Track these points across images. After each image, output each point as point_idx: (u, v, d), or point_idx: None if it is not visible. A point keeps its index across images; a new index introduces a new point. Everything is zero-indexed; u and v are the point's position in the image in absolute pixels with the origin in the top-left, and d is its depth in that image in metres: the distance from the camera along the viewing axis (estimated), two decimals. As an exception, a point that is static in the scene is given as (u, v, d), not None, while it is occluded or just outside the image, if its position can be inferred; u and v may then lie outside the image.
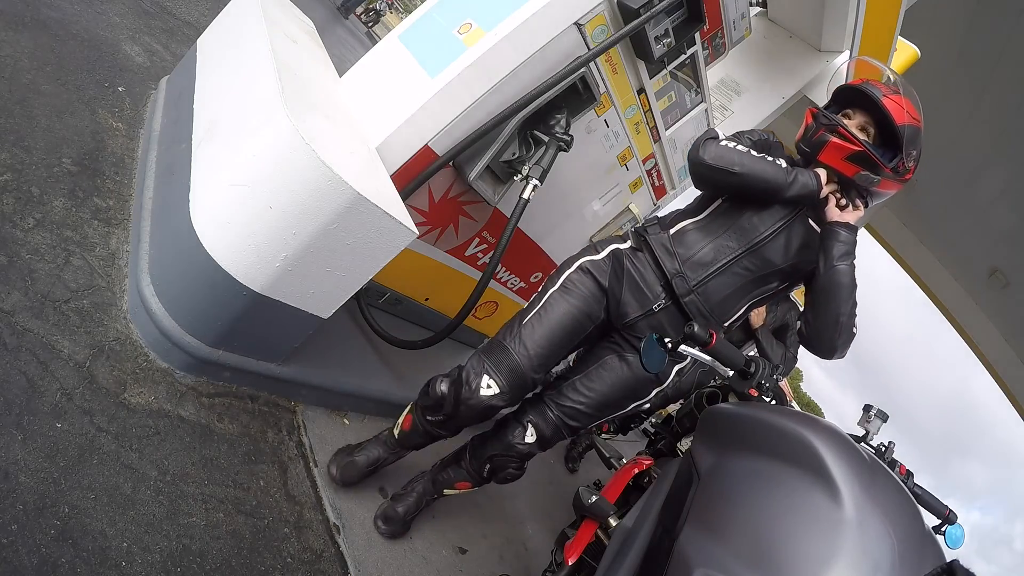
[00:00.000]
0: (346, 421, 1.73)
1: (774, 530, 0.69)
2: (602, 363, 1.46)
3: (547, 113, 1.67)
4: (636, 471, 1.57)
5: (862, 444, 1.53)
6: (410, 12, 2.12)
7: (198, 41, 1.93)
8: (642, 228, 1.50)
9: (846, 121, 1.38)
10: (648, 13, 1.57)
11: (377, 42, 2.09)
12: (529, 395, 1.50)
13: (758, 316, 2.76)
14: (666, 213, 1.57)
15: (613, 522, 1.25)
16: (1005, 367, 4.05)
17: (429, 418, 1.44)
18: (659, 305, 1.41)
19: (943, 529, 1.41)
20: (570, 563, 1.28)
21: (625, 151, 2.14)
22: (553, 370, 1.53)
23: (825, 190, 1.36)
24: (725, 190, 1.44)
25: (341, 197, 1.20)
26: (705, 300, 1.39)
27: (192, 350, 1.33)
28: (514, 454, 1.47)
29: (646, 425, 3.11)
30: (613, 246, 1.50)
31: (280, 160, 1.20)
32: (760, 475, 0.79)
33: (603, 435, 3.04)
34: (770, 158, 1.36)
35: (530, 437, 1.46)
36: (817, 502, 0.69)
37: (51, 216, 1.36)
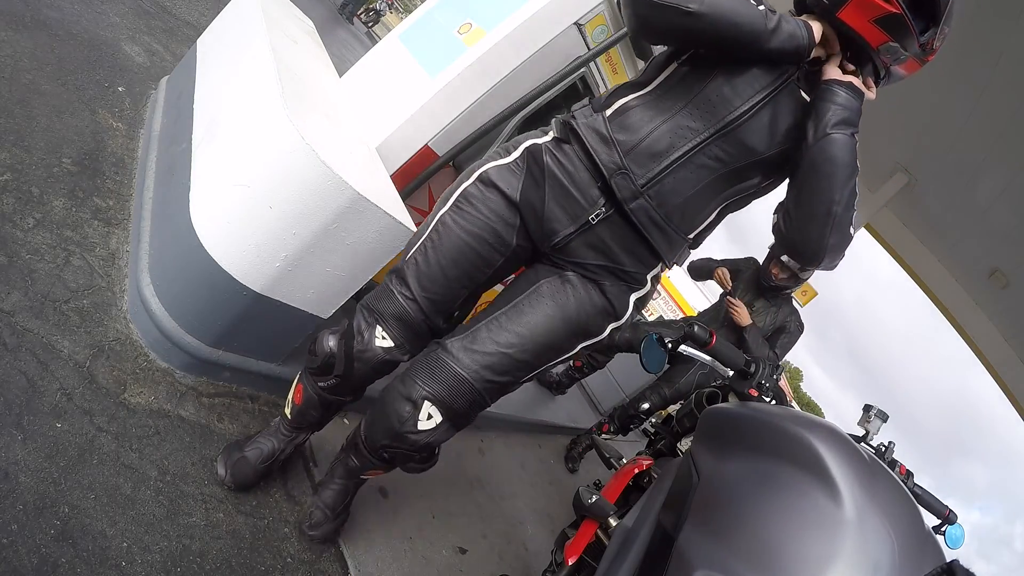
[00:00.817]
0: (346, 421, 1.73)
1: (774, 530, 0.69)
2: (537, 290, 1.09)
3: (547, 113, 1.67)
4: (636, 471, 1.57)
5: (862, 444, 1.53)
6: (410, 12, 2.12)
7: (198, 41, 1.93)
8: (568, 115, 1.11)
9: None
10: (648, 13, 1.57)
11: (377, 42, 2.09)
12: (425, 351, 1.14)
13: (744, 315, 2.73)
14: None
15: (613, 522, 1.25)
16: (1005, 367, 4.05)
17: (322, 384, 1.17)
18: (597, 215, 1.05)
19: (943, 529, 1.41)
20: (570, 563, 1.28)
21: (625, 151, 2.14)
22: None
23: (817, 51, 1.04)
24: (678, 40, 1.05)
25: (341, 197, 1.20)
26: (660, 205, 1.03)
27: (192, 350, 1.33)
28: (407, 447, 1.07)
29: (646, 425, 3.11)
30: (529, 142, 1.12)
31: (280, 160, 1.20)
32: (760, 475, 0.79)
33: (603, 435, 3.04)
34: None
35: (427, 421, 1.04)
36: (817, 502, 0.69)
37: (51, 216, 1.36)
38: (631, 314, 1.15)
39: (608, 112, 1.07)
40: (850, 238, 1.04)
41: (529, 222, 1.09)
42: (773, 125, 1.03)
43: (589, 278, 1.10)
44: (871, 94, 1.04)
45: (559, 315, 1.08)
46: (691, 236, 1.12)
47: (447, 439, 1.11)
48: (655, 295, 6.98)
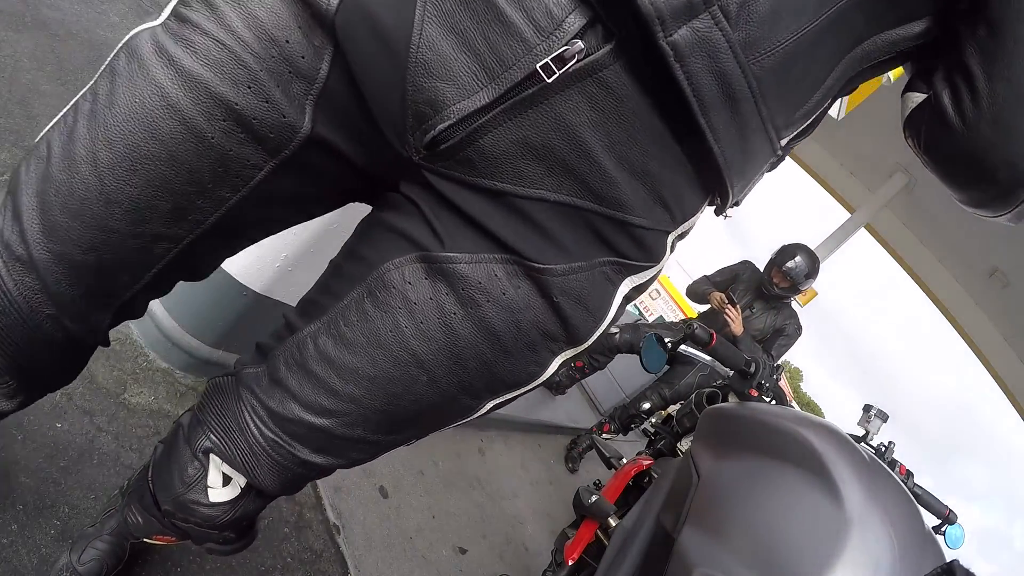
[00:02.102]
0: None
1: (774, 530, 0.69)
2: (377, 290, 0.51)
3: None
4: (636, 471, 1.57)
5: (862, 444, 1.53)
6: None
7: (198, 41, 1.93)
8: None
9: None
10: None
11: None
12: (221, 377, 0.63)
13: (737, 326, 2.69)
14: None
15: (613, 522, 1.25)
16: (1005, 367, 4.05)
17: None
18: (557, 61, 0.38)
19: (943, 529, 1.41)
20: (570, 563, 1.28)
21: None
22: None
23: None
24: None
25: (341, 197, 1.20)
26: (750, 45, 0.39)
27: (192, 350, 1.33)
28: (198, 520, 0.64)
29: (646, 425, 3.11)
30: None
31: (280, 160, 1.20)
32: (760, 475, 0.79)
33: (604, 435, 3.04)
34: None
35: (223, 489, 0.62)
36: (817, 502, 0.69)
37: (51, 216, 1.36)
38: (610, 325, 0.53)
39: None
40: None
41: (361, 71, 0.44)
42: None
43: (508, 248, 0.47)
44: None
45: (426, 352, 0.50)
46: (785, 139, 0.50)
47: (263, 508, 0.68)
48: (653, 292, 6.55)
